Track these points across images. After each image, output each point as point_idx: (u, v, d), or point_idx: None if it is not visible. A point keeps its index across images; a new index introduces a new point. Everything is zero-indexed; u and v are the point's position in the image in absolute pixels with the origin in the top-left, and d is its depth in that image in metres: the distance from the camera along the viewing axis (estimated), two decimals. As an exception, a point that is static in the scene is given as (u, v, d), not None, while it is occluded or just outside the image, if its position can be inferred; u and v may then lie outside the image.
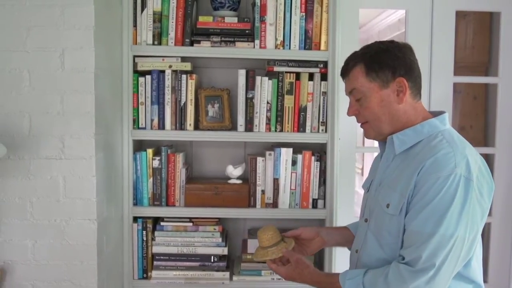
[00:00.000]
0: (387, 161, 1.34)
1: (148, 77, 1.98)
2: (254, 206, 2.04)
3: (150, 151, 2.01)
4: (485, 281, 2.30)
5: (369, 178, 1.46)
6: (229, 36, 1.98)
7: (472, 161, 1.17)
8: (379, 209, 1.29)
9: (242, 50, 1.99)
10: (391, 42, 1.32)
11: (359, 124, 1.38)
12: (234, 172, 2.06)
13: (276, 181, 2.03)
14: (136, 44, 1.96)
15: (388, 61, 1.27)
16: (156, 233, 2.02)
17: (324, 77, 2.01)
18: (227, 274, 2.02)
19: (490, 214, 2.33)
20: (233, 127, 2.05)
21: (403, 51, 1.28)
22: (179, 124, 2.00)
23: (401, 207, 1.21)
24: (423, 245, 1.13)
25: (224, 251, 2.03)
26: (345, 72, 1.34)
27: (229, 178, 2.08)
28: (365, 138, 4.53)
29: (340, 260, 1.98)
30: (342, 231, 1.59)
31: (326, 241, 1.56)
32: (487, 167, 1.24)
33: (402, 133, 1.28)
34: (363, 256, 1.33)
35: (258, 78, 1.99)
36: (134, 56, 1.97)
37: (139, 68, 1.98)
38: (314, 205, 2.05)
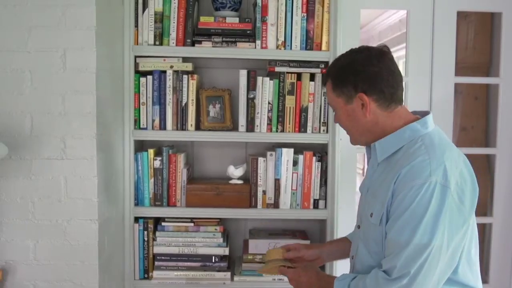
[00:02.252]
0: (372, 167, 1.34)
1: (150, 77, 1.98)
2: (255, 206, 2.04)
3: (151, 151, 2.01)
4: (485, 281, 2.31)
5: (364, 182, 1.46)
6: (231, 36, 1.98)
7: (450, 167, 1.14)
8: (365, 218, 1.29)
9: (244, 50, 1.99)
10: (360, 51, 1.28)
11: None
12: (235, 172, 2.06)
13: (277, 182, 2.03)
14: (137, 44, 1.96)
15: (349, 76, 1.25)
16: (157, 233, 2.02)
17: (325, 77, 2.01)
18: (228, 274, 2.02)
19: (490, 214, 2.33)
20: (234, 127, 2.05)
21: (367, 63, 1.24)
22: (180, 124, 2.00)
23: (381, 217, 1.21)
24: (399, 254, 1.13)
25: (225, 251, 2.03)
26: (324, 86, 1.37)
27: (230, 179, 2.08)
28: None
29: (340, 263, 1.97)
30: (343, 246, 1.56)
31: (326, 260, 1.63)
32: (471, 170, 1.22)
33: (384, 140, 1.27)
34: (357, 262, 1.34)
35: (259, 79, 1.99)
36: (136, 57, 1.97)
37: (141, 69, 1.98)
38: (315, 206, 2.05)
